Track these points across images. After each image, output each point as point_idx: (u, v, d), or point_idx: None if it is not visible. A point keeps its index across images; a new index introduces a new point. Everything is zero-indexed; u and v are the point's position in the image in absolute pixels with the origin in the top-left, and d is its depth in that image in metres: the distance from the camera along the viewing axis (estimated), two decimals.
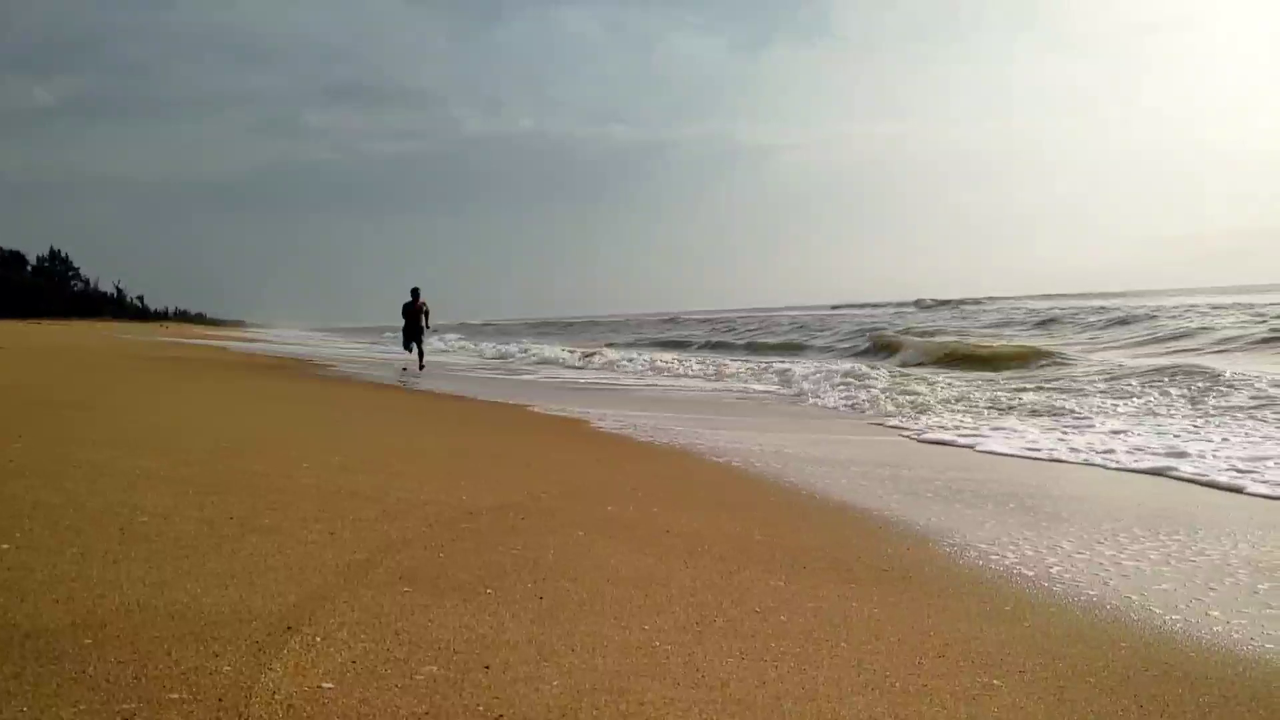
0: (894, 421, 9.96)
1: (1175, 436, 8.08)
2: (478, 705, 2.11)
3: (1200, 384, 11.56)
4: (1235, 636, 3.05)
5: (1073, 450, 7.48)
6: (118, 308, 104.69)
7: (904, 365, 20.13)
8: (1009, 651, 2.79)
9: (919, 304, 69.08)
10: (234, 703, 2.01)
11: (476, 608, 2.81)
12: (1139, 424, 9.05)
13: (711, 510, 4.86)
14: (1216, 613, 3.30)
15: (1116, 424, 9.09)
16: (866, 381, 14.47)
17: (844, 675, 2.49)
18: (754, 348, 33.04)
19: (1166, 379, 12.40)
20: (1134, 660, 2.78)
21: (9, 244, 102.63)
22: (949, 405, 11.26)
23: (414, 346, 19.79)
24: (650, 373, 20.35)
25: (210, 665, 2.19)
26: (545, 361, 26.34)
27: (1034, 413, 10.33)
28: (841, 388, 13.99)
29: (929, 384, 13.97)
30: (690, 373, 19.95)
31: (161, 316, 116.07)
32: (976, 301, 64.58)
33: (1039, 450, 7.54)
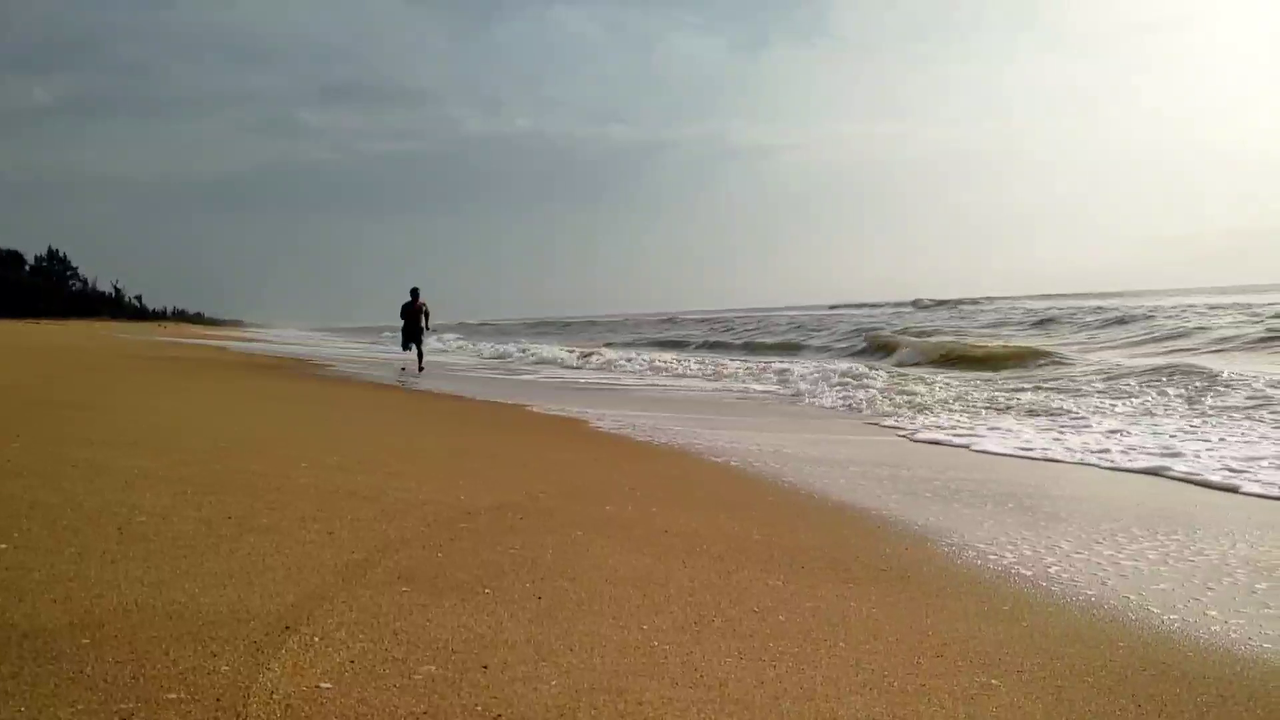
0: (892, 421, 9.96)
1: (1172, 436, 8.09)
2: (476, 705, 2.11)
3: (1198, 384, 11.58)
4: (1233, 636, 3.05)
5: (1070, 450, 7.49)
6: (116, 307, 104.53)
7: (901, 365, 20.15)
8: (1007, 651, 2.79)
9: (917, 304, 69.10)
10: (232, 703, 2.01)
11: (475, 607, 2.81)
12: (1136, 424, 9.06)
13: (710, 510, 4.86)
14: (1214, 612, 3.30)
15: (1114, 424, 9.10)
16: (864, 381, 14.49)
17: (842, 675, 2.49)
18: (751, 348, 33.09)
19: (1165, 378, 12.42)
20: (1132, 660, 2.78)
21: (7, 243, 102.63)
22: (947, 405, 11.27)
23: (413, 347, 19.76)
24: (649, 372, 20.36)
25: (208, 665, 2.19)
26: (544, 361, 26.33)
27: (1031, 412, 10.35)
28: (840, 388, 14.00)
29: (927, 384, 13.98)
30: (689, 373, 19.96)
31: (160, 316, 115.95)
32: (974, 302, 64.61)
33: (1037, 450, 7.55)
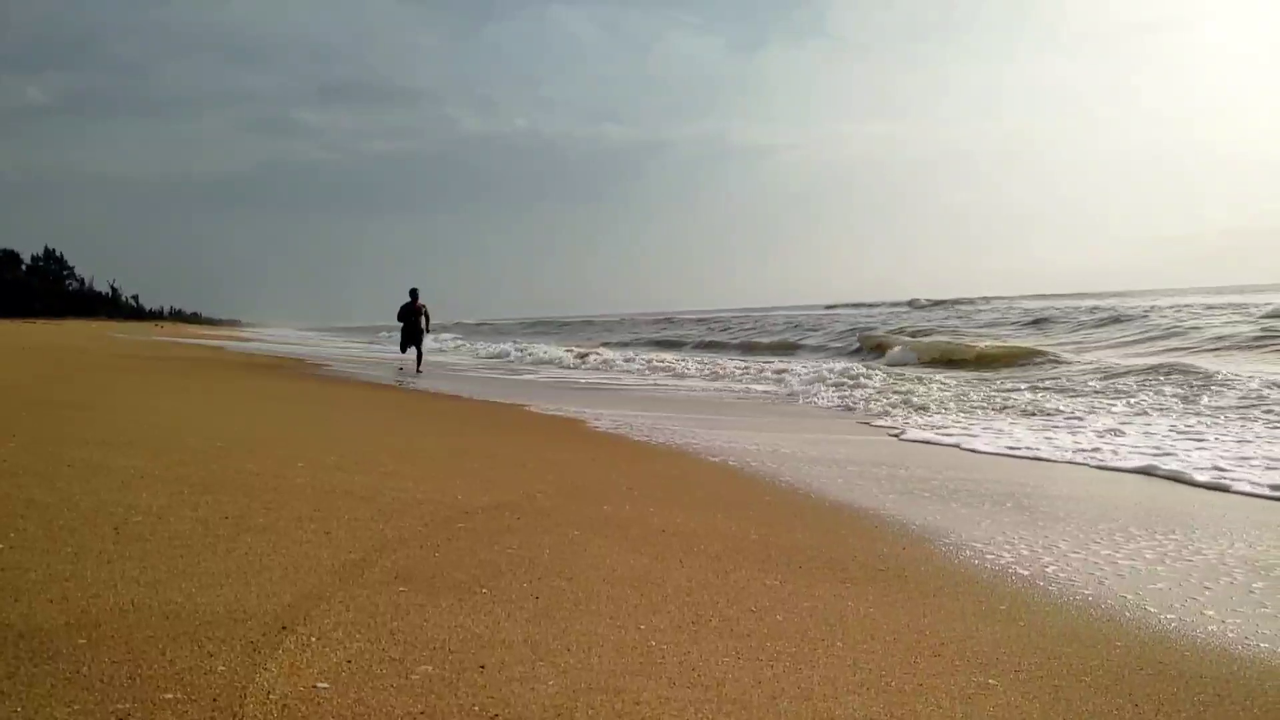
0: (889, 421, 9.98)
1: (1167, 436, 8.10)
2: (473, 705, 2.11)
3: (1195, 383, 11.60)
4: (1230, 635, 3.06)
5: (1065, 450, 7.50)
6: (113, 307, 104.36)
7: (896, 365, 20.17)
8: (1004, 651, 2.79)
9: (913, 304, 69.09)
10: (228, 703, 2.01)
11: (472, 607, 2.81)
12: (1131, 423, 9.07)
13: (707, 510, 4.86)
14: (1211, 612, 3.31)
15: (1110, 423, 9.11)
16: (861, 381, 14.50)
17: (839, 674, 2.49)
18: (748, 347, 33.18)
19: (1161, 377, 12.44)
20: (1129, 659, 2.79)
21: (3, 243, 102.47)
22: (943, 405, 11.28)
23: (412, 349, 19.69)
24: (646, 372, 20.36)
25: (205, 665, 2.18)
26: (542, 361, 26.32)
27: (1028, 412, 10.36)
28: (836, 388, 14.01)
29: (923, 384, 14.00)
30: (686, 372, 19.96)
31: (157, 316, 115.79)
32: (971, 301, 64.63)
33: (1033, 450, 7.56)
